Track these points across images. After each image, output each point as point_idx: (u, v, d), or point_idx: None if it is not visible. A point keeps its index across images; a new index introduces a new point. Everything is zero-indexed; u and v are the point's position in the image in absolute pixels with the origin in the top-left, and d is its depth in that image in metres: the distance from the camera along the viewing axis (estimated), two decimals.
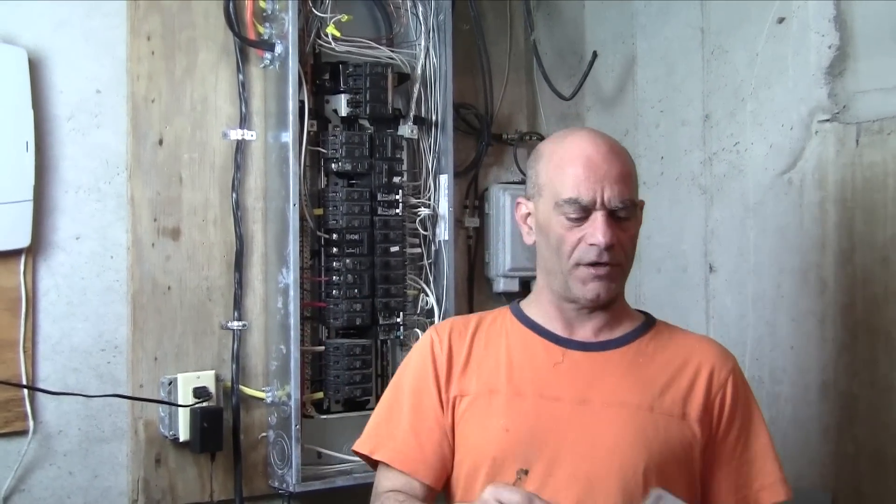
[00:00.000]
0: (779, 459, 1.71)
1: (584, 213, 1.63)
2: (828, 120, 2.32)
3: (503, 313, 1.80)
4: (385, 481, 1.73)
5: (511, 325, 1.76)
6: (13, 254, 2.08)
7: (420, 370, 1.76)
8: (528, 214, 1.74)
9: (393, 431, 1.75)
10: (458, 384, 1.73)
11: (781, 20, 2.42)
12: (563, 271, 1.66)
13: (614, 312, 1.73)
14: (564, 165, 1.65)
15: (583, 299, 1.67)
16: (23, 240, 2.08)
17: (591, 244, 1.62)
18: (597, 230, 1.62)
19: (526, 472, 1.59)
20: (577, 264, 1.64)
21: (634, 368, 1.68)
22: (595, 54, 2.80)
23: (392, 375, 2.46)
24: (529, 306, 1.78)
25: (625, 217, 1.64)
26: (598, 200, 1.62)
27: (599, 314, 1.71)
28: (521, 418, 1.65)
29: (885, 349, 2.19)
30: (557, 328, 1.72)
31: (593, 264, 1.64)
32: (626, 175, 1.65)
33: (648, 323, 1.76)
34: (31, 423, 2.10)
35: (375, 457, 1.74)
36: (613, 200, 1.62)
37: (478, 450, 1.67)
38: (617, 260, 1.65)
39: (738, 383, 1.71)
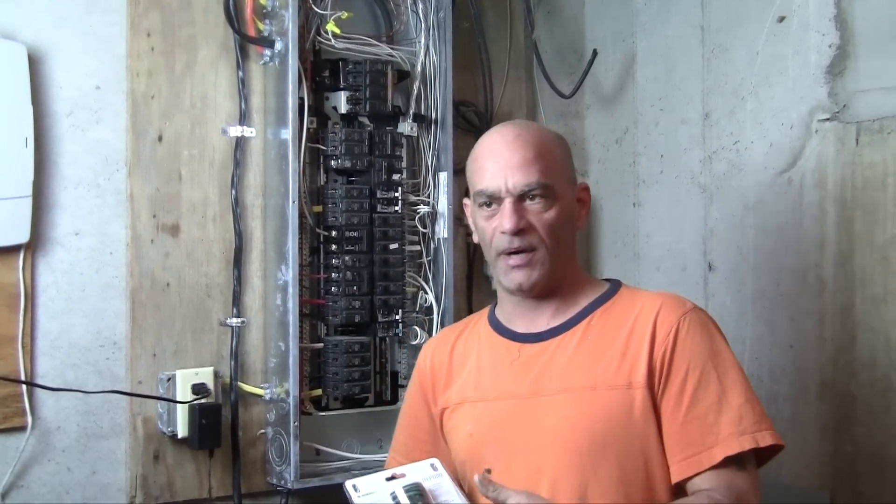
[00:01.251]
0: (745, 411, 1.59)
1: (496, 202, 1.69)
2: (828, 119, 2.32)
3: (482, 316, 1.86)
4: None
5: (483, 330, 1.82)
6: (12, 249, 2.08)
7: (412, 389, 1.90)
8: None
9: (397, 446, 1.88)
10: (443, 397, 1.81)
11: (782, 19, 2.42)
12: (492, 263, 1.73)
13: (566, 294, 1.74)
14: (476, 160, 1.75)
15: (510, 289, 1.71)
16: (22, 236, 2.08)
17: (502, 232, 1.67)
18: (503, 217, 1.67)
19: (489, 471, 1.60)
20: (498, 254, 1.69)
21: (582, 348, 1.69)
22: (595, 52, 2.80)
23: (390, 373, 2.50)
24: (498, 307, 1.83)
25: (538, 201, 1.67)
26: (504, 188, 1.67)
27: (549, 301, 1.73)
28: (481, 421, 1.72)
29: (885, 350, 2.19)
30: (518, 324, 1.76)
31: (508, 254, 1.68)
32: (532, 159, 1.68)
33: (608, 294, 1.75)
34: (29, 418, 2.10)
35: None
36: (518, 186, 1.67)
37: (455, 457, 1.75)
38: (531, 245, 1.67)
39: (687, 332, 1.63)
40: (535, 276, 1.68)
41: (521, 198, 1.67)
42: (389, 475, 1.58)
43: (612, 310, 1.72)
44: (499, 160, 1.68)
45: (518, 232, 1.66)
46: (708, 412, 1.59)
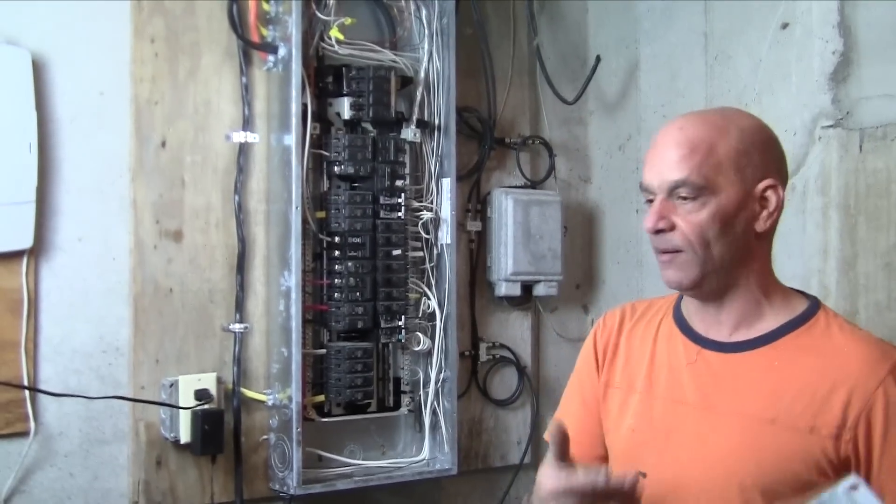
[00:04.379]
0: None
1: (654, 198, 1.60)
2: (831, 126, 2.32)
3: (669, 303, 1.75)
4: None
5: (665, 317, 1.72)
6: (15, 255, 2.08)
7: (584, 353, 1.81)
8: None
9: (562, 411, 1.81)
10: (607, 372, 1.74)
11: (785, 26, 2.42)
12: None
13: (749, 305, 1.61)
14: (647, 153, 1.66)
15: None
16: (25, 241, 2.08)
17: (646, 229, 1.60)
18: (648, 215, 1.59)
19: (644, 476, 1.53)
20: (655, 251, 1.63)
21: (767, 373, 1.56)
22: (598, 59, 2.80)
23: (392, 379, 2.50)
24: (683, 299, 1.72)
25: (687, 200, 1.56)
26: (655, 184, 1.58)
27: (727, 307, 1.61)
28: (646, 420, 1.63)
29: None
30: (697, 324, 1.66)
31: (658, 251, 1.61)
32: (685, 156, 1.56)
33: (803, 317, 1.59)
34: (32, 424, 2.10)
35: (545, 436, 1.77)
36: (664, 184, 1.57)
37: (611, 446, 1.69)
38: (672, 246, 1.57)
39: (892, 397, 1.46)
40: (683, 278, 1.58)
41: (670, 195, 1.57)
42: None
43: (807, 338, 1.57)
44: (654, 156, 1.60)
45: (658, 231, 1.58)
46: None
